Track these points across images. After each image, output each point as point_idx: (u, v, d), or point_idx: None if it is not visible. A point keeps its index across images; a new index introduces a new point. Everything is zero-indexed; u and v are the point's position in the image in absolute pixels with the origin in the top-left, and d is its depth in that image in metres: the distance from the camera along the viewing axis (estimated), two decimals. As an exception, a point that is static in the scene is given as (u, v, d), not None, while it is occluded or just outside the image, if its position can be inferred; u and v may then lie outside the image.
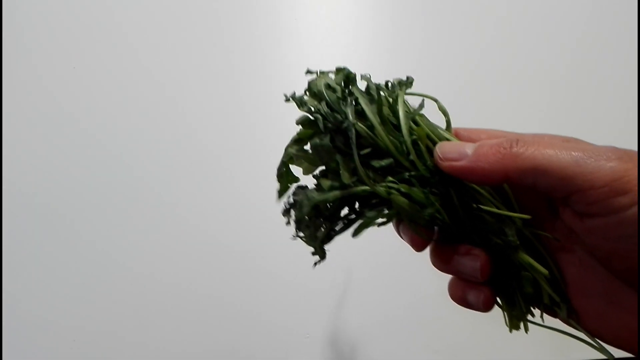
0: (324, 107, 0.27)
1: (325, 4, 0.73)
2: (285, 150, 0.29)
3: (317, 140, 0.27)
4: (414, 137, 0.27)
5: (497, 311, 0.31)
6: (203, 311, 0.57)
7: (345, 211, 0.28)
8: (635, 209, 0.21)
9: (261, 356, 0.55)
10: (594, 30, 0.73)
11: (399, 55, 0.71)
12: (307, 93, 0.29)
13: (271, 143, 0.63)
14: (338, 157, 0.26)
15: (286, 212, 0.29)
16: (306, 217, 0.27)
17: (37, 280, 0.58)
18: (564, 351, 0.53)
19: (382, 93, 0.29)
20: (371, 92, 0.28)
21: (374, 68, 0.70)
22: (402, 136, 0.27)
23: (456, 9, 0.73)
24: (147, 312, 0.57)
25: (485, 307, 0.28)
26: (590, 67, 0.71)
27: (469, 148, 0.25)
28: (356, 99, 0.27)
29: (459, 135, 0.30)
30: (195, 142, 0.64)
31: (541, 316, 0.29)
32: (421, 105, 0.29)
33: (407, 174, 0.26)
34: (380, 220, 0.27)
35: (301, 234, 0.28)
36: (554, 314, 0.28)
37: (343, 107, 0.27)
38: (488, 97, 0.68)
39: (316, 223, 0.28)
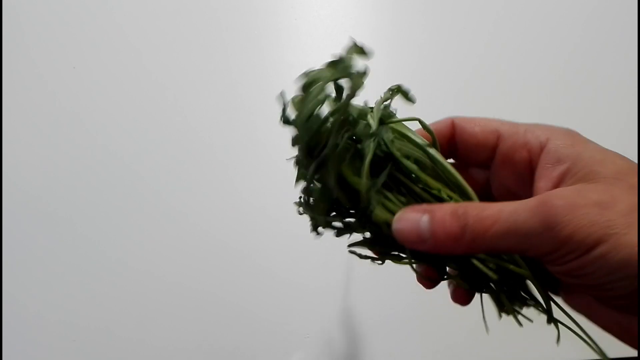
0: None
1: (325, 4, 0.73)
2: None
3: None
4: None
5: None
6: (204, 311, 0.57)
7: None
8: (579, 260, 0.22)
9: (262, 356, 0.55)
10: (594, 29, 0.73)
11: (399, 56, 0.71)
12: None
13: (272, 142, 0.63)
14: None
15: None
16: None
17: (37, 280, 0.58)
18: (563, 351, 0.53)
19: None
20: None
21: (374, 68, 0.70)
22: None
23: (456, 9, 0.73)
24: (147, 312, 0.57)
25: (461, 303, 0.30)
26: (590, 66, 0.71)
27: (424, 231, 0.24)
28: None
29: (455, 126, 0.30)
30: (195, 142, 0.64)
31: (552, 308, 0.29)
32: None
33: None
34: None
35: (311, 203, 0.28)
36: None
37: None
38: (488, 97, 0.68)
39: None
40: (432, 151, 0.27)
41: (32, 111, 0.66)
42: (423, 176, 0.27)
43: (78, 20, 0.70)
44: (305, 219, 0.31)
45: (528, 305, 0.28)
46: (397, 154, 0.26)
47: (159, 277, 0.58)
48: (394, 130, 0.27)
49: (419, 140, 0.27)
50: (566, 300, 0.28)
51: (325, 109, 0.26)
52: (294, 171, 0.30)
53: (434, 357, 0.55)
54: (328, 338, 0.56)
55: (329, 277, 0.58)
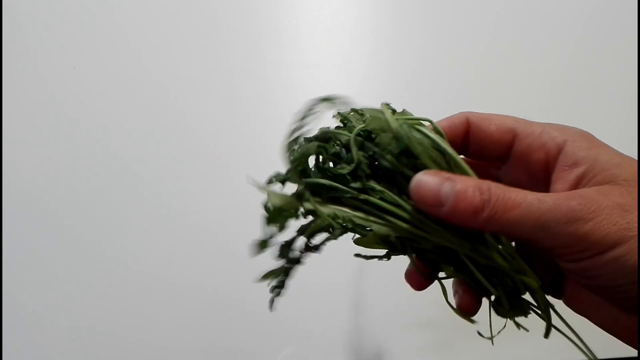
0: None
1: (325, 4, 0.73)
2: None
3: None
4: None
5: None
6: (204, 311, 0.57)
7: None
8: (595, 260, 0.23)
9: (262, 356, 0.55)
10: (593, 29, 0.73)
11: (399, 56, 0.71)
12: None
13: (271, 142, 0.63)
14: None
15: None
16: None
17: (37, 280, 0.58)
18: (563, 352, 0.53)
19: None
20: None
21: (374, 68, 0.71)
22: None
23: (456, 9, 0.73)
24: (146, 312, 0.57)
25: (468, 312, 0.30)
26: (589, 66, 0.71)
27: (447, 196, 0.24)
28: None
29: (470, 122, 0.30)
30: (195, 142, 0.64)
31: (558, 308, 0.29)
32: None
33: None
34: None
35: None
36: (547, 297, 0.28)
37: None
38: (488, 97, 0.68)
39: None
40: (447, 147, 0.27)
41: (32, 111, 0.66)
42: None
43: (78, 20, 0.70)
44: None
45: (527, 314, 0.29)
46: (419, 149, 0.26)
47: (159, 277, 0.58)
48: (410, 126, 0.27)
49: (433, 136, 0.27)
50: (567, 303, 0.28)
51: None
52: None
53: (434, 356, 0.56)
54: (328, 338, 0.56)
55: (330, 276, 0.58)
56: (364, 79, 0.69)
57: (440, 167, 0.26)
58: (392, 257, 0.29)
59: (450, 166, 0.26)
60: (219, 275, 0.58)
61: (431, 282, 0.29)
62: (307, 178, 0.28)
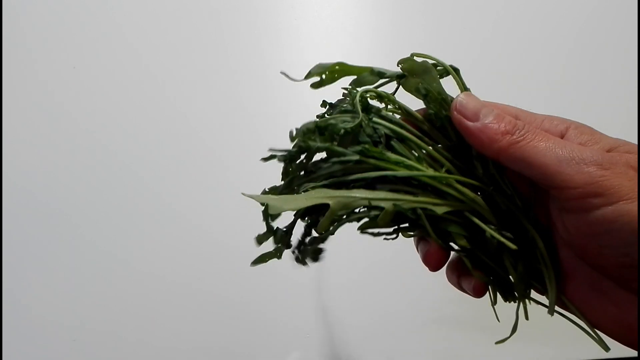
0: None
1: (325, 4, 0.73)
2: None
3: None
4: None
5: (498, 311, 0.31)
6: (204, 310, 0.57)
7: None
8: (604, 210, 0.23)
9: (261, 355, 0.55)
10: (593, 29, 0.73)
11: (399, 56, 0.70)
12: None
13: (271, 142, 0.63)
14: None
15: None
16: None
17: (37, 279, 0.58)
18: (564, 351, 0.53)
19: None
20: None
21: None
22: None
23: (456, 9, 0.73)
24: (147, 311, 0.57)
25: (476, 294, 0.30)
26: (589, 66, 0.71)
27: (485, 114, 0.27)
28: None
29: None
30: (195, 141, 0.64)
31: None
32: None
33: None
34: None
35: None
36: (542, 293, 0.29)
37: None
38: (488, 97, 0.68)
39: None
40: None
41: (32, 111, 0.66)
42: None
43: (78, 20, 0.70)
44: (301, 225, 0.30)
45: (530, 297, 0.29)
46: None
47: (160, 277, 0.58)
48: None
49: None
50: (567, 296, 0.28)
51: None
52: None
53: (434, 356, 0.56)
54: (328, 338, 0.56)
55: (330, 276, 0.58)
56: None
57: None
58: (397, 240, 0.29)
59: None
60: (219, 275, 0.58)
61: (447, 257, 0.30)
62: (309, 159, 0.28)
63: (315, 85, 0.30)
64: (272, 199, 0.27)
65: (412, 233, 0.30)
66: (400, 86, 0.30)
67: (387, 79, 0.30)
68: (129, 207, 0.61)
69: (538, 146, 0.25)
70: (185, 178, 0.63)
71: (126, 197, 0.62)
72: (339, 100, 0.30)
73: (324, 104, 0.30)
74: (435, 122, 0.29)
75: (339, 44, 0.71)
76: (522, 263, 0.28)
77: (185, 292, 0.58)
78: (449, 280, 0.32)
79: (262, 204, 0.27)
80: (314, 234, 0.28)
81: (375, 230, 0.28)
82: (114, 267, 0.58)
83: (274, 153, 0.28)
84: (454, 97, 0.29)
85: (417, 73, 0.29)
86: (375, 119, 0.28)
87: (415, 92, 0.29)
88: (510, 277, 0.28)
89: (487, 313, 0.31)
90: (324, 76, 0.30)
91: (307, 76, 0.29)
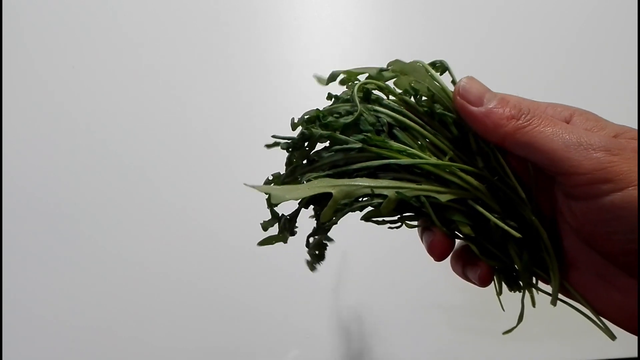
0: None
1: (325, 4, 0.73)
2: None
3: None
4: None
5: (498, 308, 0.31)
6: (204, 310, 0.57)
7: None
8: (614, 196, 0.23)
9: (261, 354, 0.55)
10: (592, 29, 0.73)
11: (399, 56, 0.70)
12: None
13: (271, 140, 0.63)
14: None
15: None
16: None
17: (38, 279, 0.58)
18: (565, 350, 0.53)
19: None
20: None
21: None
22: None
23: (456, 9, 0.73)
24: (147, 311, 0.57)
25: (482, 283, 0.29)
26: (589, 66, 0.71)
27: (489, 99, 0.26)
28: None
29: None
30: (195, 141, 0.64)
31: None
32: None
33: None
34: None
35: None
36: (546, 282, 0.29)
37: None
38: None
39: None
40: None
41: (32, 110, 0.65)
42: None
43: (78, 20, 0.70)
44: (306, 219, 0.30)
45: (535, 286, 0.28)
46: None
47: (160, 277, 0.58)
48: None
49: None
50: (572, 284, 0.28)
51: None
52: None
53: (434, 357, 0.55)
54: (328, 338, 0.56)
55: (331, 276, 0.58)
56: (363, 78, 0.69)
57: None
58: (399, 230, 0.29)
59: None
60: (219, 275, 0.58)
61: (452, 246, 0.29)
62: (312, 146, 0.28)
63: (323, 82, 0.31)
64: (275, 189, 0.27)
65: (415, 223, 0.30)
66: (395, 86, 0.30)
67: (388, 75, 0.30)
68: (131, 207, 0.61)
69: (545, 131, 0.24)
70: (186, 177, 0.62)
71: (126, 196, 0.62)
72: (344, 93, 0.30)
73: (329, 96, 0.30)
74: (434, 117, 0.29)
75: (339, 44, 0.71)
76: (527, 252, 0.27)
77: (185, 290, 0.57)
78: (454, 270, 0.31)
79: (266, 193, 0.27)
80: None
81: (380, 219, 0.28)
82: (114, 266, 0.58)
83: (277, 140, 0.29)
84: (452, 96, 0.28)
85: (408, 72, 0.29)
86: (376, 107, 0.28)
87: (405, 92, 0.29)
88: (515, 265, 0.28)
89: (489, 311, 0.31)
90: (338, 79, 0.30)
91: (329, 81, 0.31)
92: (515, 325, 0.29)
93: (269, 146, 0.29)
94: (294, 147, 0.28)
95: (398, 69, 0.29)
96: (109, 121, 0.65)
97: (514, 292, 0.29)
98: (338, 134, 0.27)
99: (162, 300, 0.57)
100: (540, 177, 0.28)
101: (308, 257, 0.29)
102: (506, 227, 0.27)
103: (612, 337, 0.26)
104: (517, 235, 0.26)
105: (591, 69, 0.70)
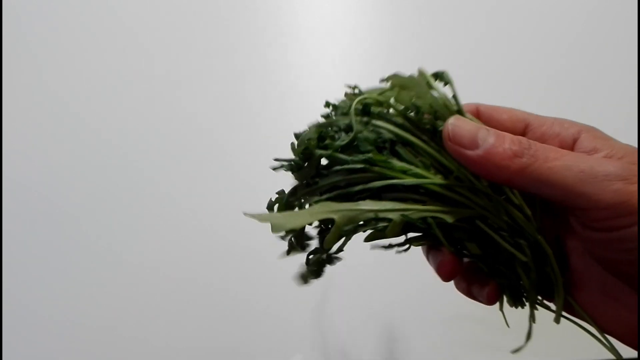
0: None
1: (326, 4, 0.73)
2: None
3: None
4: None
5: (497, 315, 0.31)
6: (204, 311, 0.57)
7: None
8: (635, 228, 0.22)
9: (264, 357, 0.55)
10: (592, 28, 0.73)
11: (399, 55, 0.71)
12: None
13: (272, 141, 0.63)
14: None
15: None
16: None
17: (38, 279, 0.58)
18: (566, 353, 0.53)
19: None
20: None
21: (374, 68, 0.70)
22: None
23: (456, 9, 0.73)
24: (147, 311, 0.57)
25: (490, 301, 0.28)
26: (588, 66, 0.71)
27: (483, 138, 0.24)
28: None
29: (480, 111, 0.30)
30: (196, 140, 0.64)
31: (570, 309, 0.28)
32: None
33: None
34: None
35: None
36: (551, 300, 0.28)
37: None
38: (488, 97, 0.68)
39: None
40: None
41: (33, 110, 0.65)
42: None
43: (78, 20, 0.70)
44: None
45: (542, 304, 0.28)
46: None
47: (161, 276, 0.58)
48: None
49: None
50: (579, 303, 0.28)
51: None
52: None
53: (435, 357, 0.55)
54: (329, 339, 0.56)
55: (331, 277, 0.58)
56: (363, 79, 0.69)
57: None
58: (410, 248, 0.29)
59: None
60: (219, 276, 0.58)
61: (461, 265, 0.29)
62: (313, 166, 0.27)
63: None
64: (275, 217, 0.26)
65: (421, 242, 0.29)
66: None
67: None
68: (132, 206, 0.61)
69: (554, 166, 0.23)
70: (188, 177, 0.63)
71: (127, 195, 0.62)
72: (342, 101, 0.29)
73: (327, 104, 0.29)
74: (436, 134, 0.27)
75: (339, 44, 0.71)
76: (535, 271, 0.27)
77: (189, 292, 0.58)
78: (457, 288, 0.30)
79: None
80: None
81: (387, 243, 0.27)
82: (114, 266, 0.58)
83: (281, 162, 0.28)
84: (453, 103, 0.27)
85: (408, 86, 0.28)
86: (378, 122, 0.27)
87: (406, 109, 0.28)
88: (522, 282, 0.28)
89: (490, 317, 0.30)
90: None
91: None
92: (523, 344, 0.29)
93: (275, 169, 0.28)
94: (297, 168, 0.27)
95: (398, 83, 0.28)
96: (110, 121, 0.65)
97: (516, 308, 0.29)
98: (338, 154, 0.26)
99: (165, 301, 0.57)
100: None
101: (302, 270, 0.29)
102: (512, 249, 0.26)
103: (619, 356, 0.26)
104: (523, 258, 0.26)
105: (591, 68, 0.70)
